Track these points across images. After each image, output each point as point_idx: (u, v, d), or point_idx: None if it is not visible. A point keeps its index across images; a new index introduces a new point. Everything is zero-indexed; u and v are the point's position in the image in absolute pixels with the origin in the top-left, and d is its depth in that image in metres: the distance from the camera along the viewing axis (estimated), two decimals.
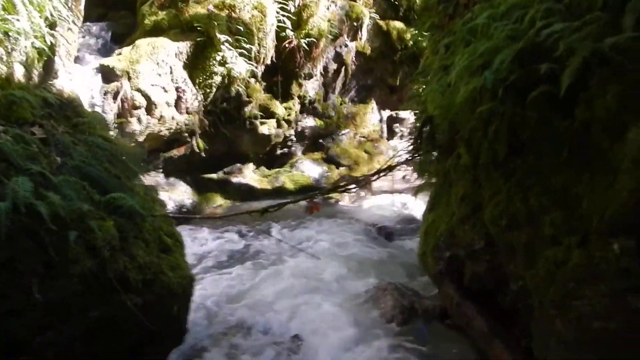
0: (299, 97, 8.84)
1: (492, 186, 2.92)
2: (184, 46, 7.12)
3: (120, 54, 6.78)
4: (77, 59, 6.72)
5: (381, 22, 9.65)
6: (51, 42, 3.87)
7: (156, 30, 7.24)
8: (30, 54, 3.68)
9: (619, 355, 2.31)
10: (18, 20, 3.19)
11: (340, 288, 5.27)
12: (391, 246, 6.64)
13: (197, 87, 7.27)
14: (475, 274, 3.38)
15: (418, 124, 3.75)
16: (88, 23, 7.89)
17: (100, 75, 6.48)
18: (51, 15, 3.77)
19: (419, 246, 4.38)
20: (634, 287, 2.16)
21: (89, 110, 5.07)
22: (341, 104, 9.77)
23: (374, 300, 4.92)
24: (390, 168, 3.46)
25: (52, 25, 3.82)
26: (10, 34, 3.26)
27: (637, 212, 2.06)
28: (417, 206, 6.95)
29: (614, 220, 2.16)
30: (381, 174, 3.42)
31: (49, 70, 4.04)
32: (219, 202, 8.44)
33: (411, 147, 3.43)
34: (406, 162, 3.32)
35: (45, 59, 3.90)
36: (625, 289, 2.19)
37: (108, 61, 6.58)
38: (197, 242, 6.53)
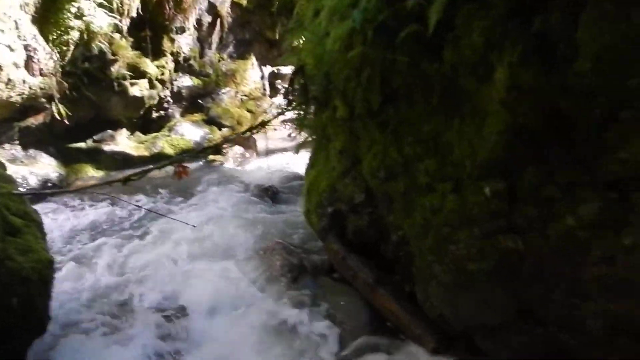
0: (172, 53, 8.20)
1: (369, 138, 2.83)
2: None
3: None
4: None
5: None
6: None
7: None
8: None
9: (492, 294, 2.38)
10: None
11: (225, 253, 5.05)
12: (277, 206, 6.52)
13: (50, 44, 6.39)
14: (358, 227, 3.34)
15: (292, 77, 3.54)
16: None
17: None
18: None
19: (303, 204, 4.28)
20: (504, 228, 2.19)
21: None
22: (219, 61, 9.26)
23: (262, 261, 4.79)
24: (263, 124, 3.24)
25: None
26: None
27: (505, 155, 2.05)
28: (302, 164, 6.87)
29: (484, 164, 2.15)
30: (253, 131, 3.19)
31: None
32: (90, 173, 7.70)
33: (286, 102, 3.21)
34: (282, 118, 3.09)
35: None
36: (496, 231, 2.22)
37: None
38: (66, 218, 5.90)
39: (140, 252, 4.87)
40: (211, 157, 8.30)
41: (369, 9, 2.15)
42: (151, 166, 3.24)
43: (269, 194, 6.80)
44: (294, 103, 3.71)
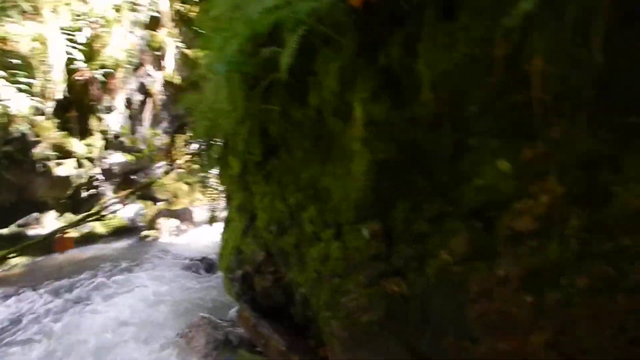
0: (101, 132, 8.08)
1: (259, 191, 2.75)
2: None
3: None
4: None
5: (188, 52, 9.37)
6: None
7: None
8: None
9: (387, 346, 2.23)
10: None
11: (150, 336, 4.69)
12: (212, 278, 6.24)
13: None
14: (264, 289, 3.16)
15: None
16: None
17: None
18: None
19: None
20: (387, 272, 2.09)
21: None
22: (154, 136, 9.19)
23: (187, 341, 4.49)
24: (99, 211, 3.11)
25: None
26: None
27: (375, 194, 1.99)
28: None
29: (358, 206, 2.08)
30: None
31: None
32: (12, 262, 7.23)
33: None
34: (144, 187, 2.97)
35: None
36: (379, 275, 2.11)
37: None
38: None
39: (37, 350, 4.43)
40: (144, 232, 8.01)
41: (232, 61, 2.13)
42: (29, 242, 3.01)
43: (203, 265, 6.54)
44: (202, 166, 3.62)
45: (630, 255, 1.52)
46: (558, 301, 1.72)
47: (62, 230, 3.17)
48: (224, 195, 3.75)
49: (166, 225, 8.08)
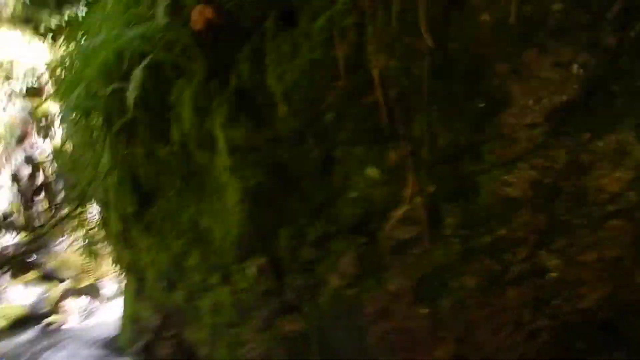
0: None
1: (144, 245, 2.51)
2: None
3: None
4: None
5: None
6: None
7: None
8: None
9: None
10: None
11: None
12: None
13: None
14: (166, 356, 2.87)
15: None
16: None
17: None
18: None
19: None
20: (281, 309, 1.93)
21: None
22: (50, 209, 8.51)
23: None
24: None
25: None
26: None
27: (254, 225, 1.85)
28: None
29: (239, 242, 1.91)
30: None
31: None
32: None
33: None
34: None
35: None
36: (274, 314, 1.94)
37: None
38: None
39: None
40: (47, 320, 7.26)
41: (78, 106, 1.94)
42: None
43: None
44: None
45: (509, 245, 1.48)
46: (452, 307, 1.63)
47: None
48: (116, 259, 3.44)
49: (73, 306, 7.39)
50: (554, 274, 1.48)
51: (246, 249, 1.92)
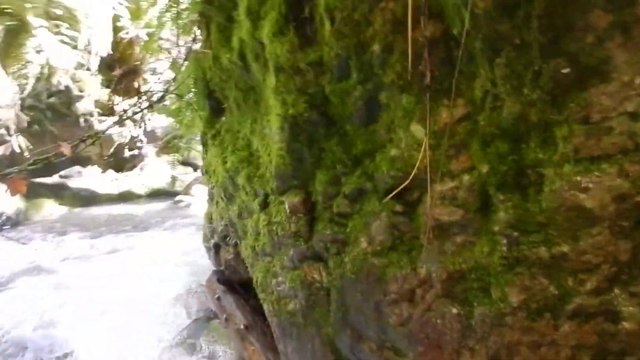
0: (145, 93, 8.12)
1: (213, 152, 2.45)
2: None
3: None
4: None
5: None
6: None
7: None
8: None
9: (312, 343, 1.89)
10: None
11: (147, 295, 4.63)
12: None
13: (10, 77, 6.37)
14: (227, 262, 2.89)
15: None
16: None
17: None
18: None
19: None
20: (308, 255, 1.74)
21: None
22: None
23: (181, 305, 4.38)
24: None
25: None
26: None
27: (292, 159, 1.63)
28: None
29: (278, 173, 1.73)
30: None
31: None
32: (52, 209, 7.50)
33: None
34: None
35: None
36: (302, 259, 1.76)
37: None
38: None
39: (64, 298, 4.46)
40: (179, 197, 8.02)
41: None
42: None
43: None
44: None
45: (574, 269, 1.08)
46: (490, 319, 1.30)
47: (13, 173, 3.07)
48: None
49: (201, 192, 8.04)
50: (627, 325, 1.06)
51: (284, 182, 1.73)
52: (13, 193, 2.83)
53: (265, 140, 1.77)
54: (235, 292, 3.04)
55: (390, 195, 1.36)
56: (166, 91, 2.44)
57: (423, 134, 1.19)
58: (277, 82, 1.48)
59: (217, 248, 3.08)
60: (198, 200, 8.10)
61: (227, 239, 2.79)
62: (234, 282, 3.03)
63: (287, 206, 1.72)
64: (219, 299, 3.06)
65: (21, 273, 5.01)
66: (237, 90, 1.86)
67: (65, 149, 3.01)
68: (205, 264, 5.17)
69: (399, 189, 1.32)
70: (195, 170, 8.81)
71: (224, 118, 2.19)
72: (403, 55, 1.12)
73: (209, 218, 3.08)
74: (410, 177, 1.27)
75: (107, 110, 7.62)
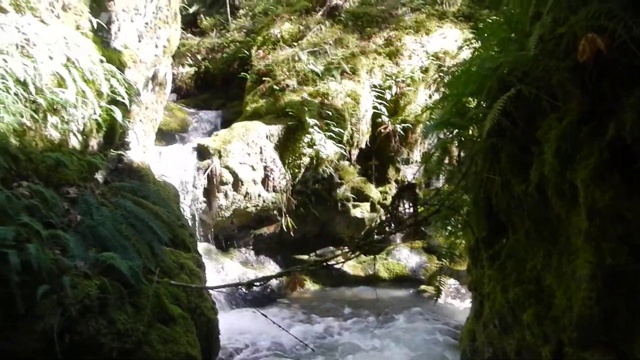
0: (396, 181, 8.53)
1: (487, 273, 2.34)
2: (276, 129, 7.44)
3: (217, 135, 7.32)
4: (182, 139, 7.46)
5: None
6: (112, 117, 4.26)
7: (254, 116, 7.76)
8: (88, 124, 4.08)
9: None
10: (63, 92, 3.58)
11: None
12: None
13: (286, 167, 7.47)
14: None
15: None
16: (204, 110, 8.92)
17: (196, 153, 7.02)
18: (111, 92, 4.19)
19: None
20: None
21: (161, 180, 5.46)
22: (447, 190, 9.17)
23: None
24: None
25: (113, 102, 4.23)
26: (65, 105, 3.66)
27: (601, 313, 1.42)
28: None
29: (582, 323, 1.52)
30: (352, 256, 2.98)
31: (110, 140, 4.43)
32: (307, 286, 8.25)
33: None
34: None
35: (105, 130, 4.30)
36: None
37: (204, 141, 7.12)
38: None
39: None
40: (423, 287, 7.96)
41: (441, 121, 1.91)
42: (273, 274, 3.30)
43: None
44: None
45: None
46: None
47: (295, 271, 3.41)
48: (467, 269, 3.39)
49: (446, 283, 7.85)
50: None
51: (587, 336, 1.51)
52: (293, 288, 3.18)
53: (564, 280, 1.60)
54: None
55: None
56: (441, 205, 2.46)
57: None
58: (591, 227, 1.34)
59: None
60: (443, 294, 7.92)
61: None
62: None
63: None
64: None
65: None
66: (529, 220, 1.75)
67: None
68: None
69: None
70: (439, 257, 8.72)
71: (504, 240, 2.08)
72: None
73: (471, 336, 2.92)
74: None
75: (361, 197, 8.21)
